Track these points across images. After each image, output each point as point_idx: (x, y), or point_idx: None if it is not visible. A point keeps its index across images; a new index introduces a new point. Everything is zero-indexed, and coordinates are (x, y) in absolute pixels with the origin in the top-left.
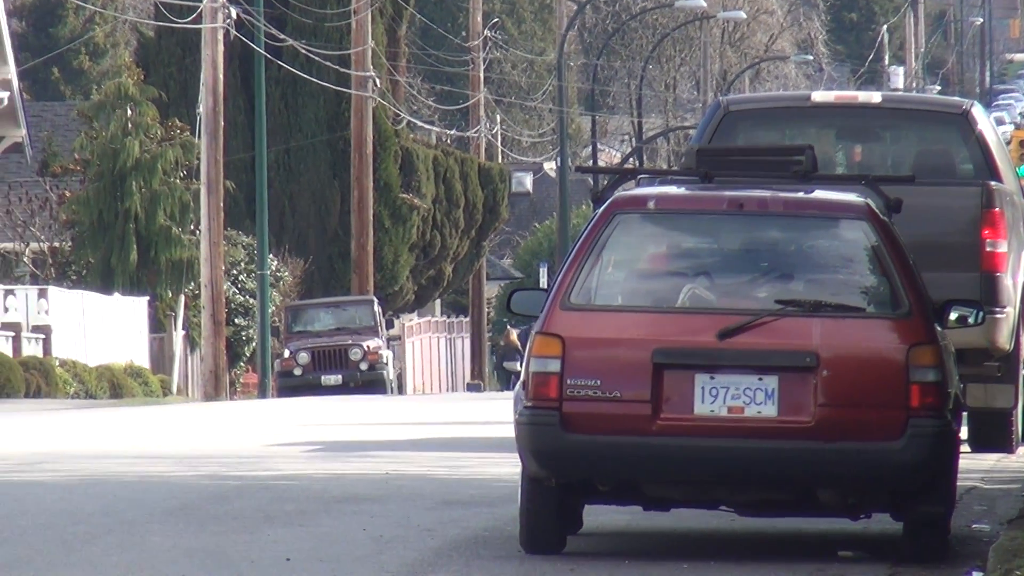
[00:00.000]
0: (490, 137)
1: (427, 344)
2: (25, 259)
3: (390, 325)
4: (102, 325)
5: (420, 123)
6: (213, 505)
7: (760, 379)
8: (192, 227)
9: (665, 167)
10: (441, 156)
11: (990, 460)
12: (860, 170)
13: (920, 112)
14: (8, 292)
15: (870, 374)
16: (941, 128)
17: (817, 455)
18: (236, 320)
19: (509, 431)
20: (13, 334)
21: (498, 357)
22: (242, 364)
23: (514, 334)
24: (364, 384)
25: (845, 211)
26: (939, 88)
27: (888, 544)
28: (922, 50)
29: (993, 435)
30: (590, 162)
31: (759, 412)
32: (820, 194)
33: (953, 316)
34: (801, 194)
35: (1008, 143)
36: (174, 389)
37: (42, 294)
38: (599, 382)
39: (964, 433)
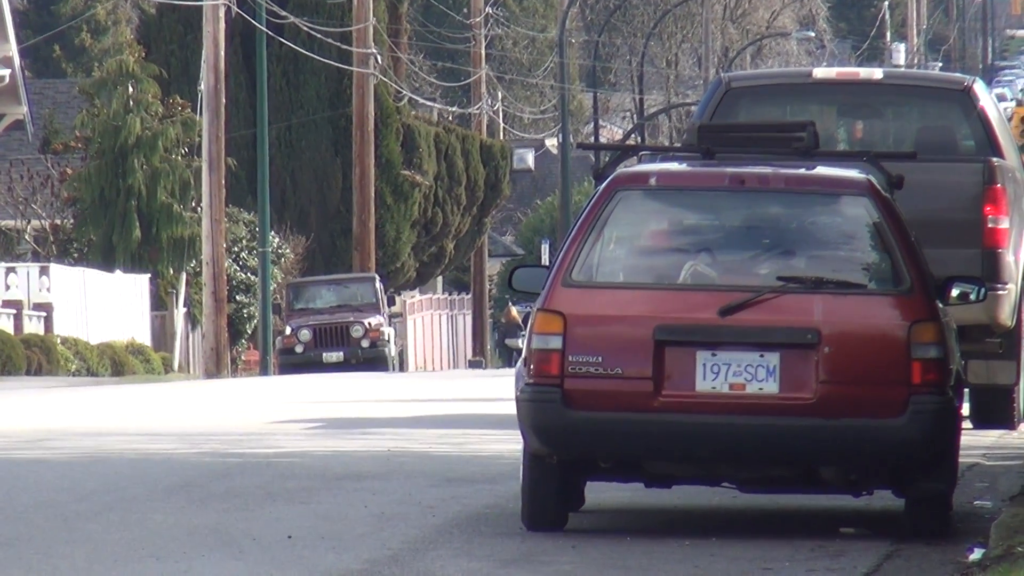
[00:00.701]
0: (492, 114)
1: (429, 321)
2: (27, 236)
3: (392, 302)
4: (104, 302)
5: (422, 100)
6: (215, 482)
7: (762, 356)
8: (193, 204)
9: (667, 144)
10: (443, 133)
11: (992, 437)
12: (862, 146)
13: (922, 88)
14: (10, 269)
15: (872, 351)
16: (943, 104)
17: (819, 432)
18: (238, 297)
19: (511, 408)
20: (15, 311)
21: (500, 334)
22: (243, 341)
23: (515, 311)
24: (366, 361)
25: (847, 187)
26: (941, 65)
27: (890, 521)
28: (924, 26)
29: (995, 412)
30: (592, 139)
31: (760, 389)
32: (822, 170)
33: (955, 293)
34: (803, 170)
35: (1009, 119)
36: (175, 366)
37: (44, 271)
38: (601, 359)
39: (966, 410)
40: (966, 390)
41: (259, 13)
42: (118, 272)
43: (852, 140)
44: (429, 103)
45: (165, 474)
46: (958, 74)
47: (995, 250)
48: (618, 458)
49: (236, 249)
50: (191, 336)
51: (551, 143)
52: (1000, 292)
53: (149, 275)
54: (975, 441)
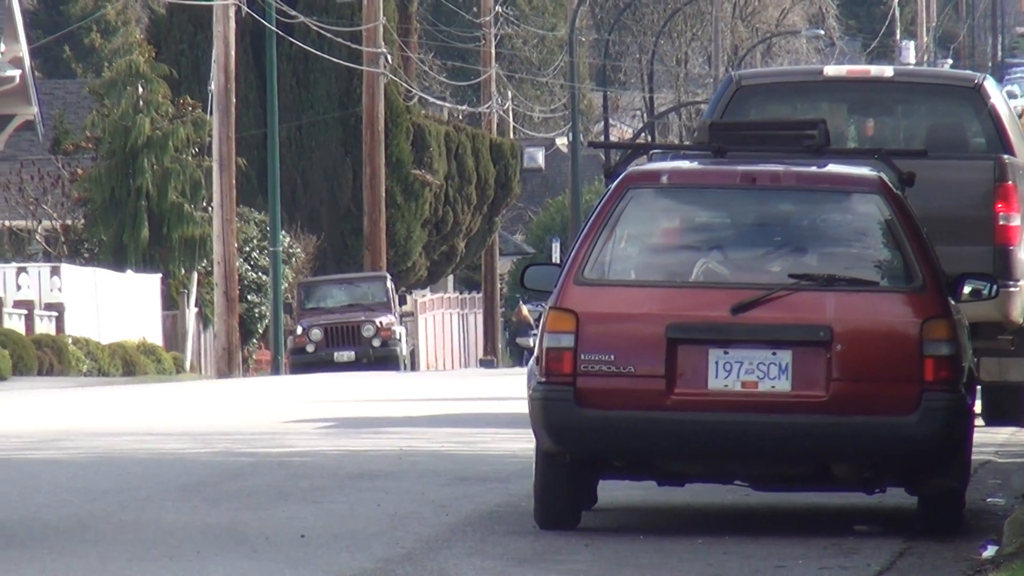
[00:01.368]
0: (502, 113)
1: (440, 320)
2: (37, 237)
3: (403, 301)
4: (115, 302)
5: (432, 99)
6: (227, 482)
7: (774, 353)
8: (204, 204)
9: (677, 142)
10: (453, 132)
11: (1004, 434)
12: (873, 144)
13: (932, 86)
14: (21, 270)
15: (884, 348)
16: (953, 102)
17: (831, 429)
18: (249, 297)
19: (522, 407)
20: (26, 312)
21: (511, 333)
22: (255, 341)
23: (526, 310)
24: (377, 360)
25: (858, 185)
26: (950, 62)
27: (903, 518)
28: (933, 24)
29: (1007, 409)
30: (602, 137)
31: (773, 387)
32: (833, 168)
33: (967, 290)
34: (814, 168)
35: (1020, 116)
36: (187, 366)
37: (55, 272)
38: (613, 357)
39: (978, 407)
40: (978, 387)
41: (269, 13)
42: (129, 272)
43: (863, 138)
44: (439, 102)
45: (178, 474)
46: (968, 71)
47: (1006, 247)
48: (630, 457)
49: (247, 249)
50: (203, 336)
51: (561, 142)
52: (1012, 289)
53: (160, 275)
54: (987, 438)
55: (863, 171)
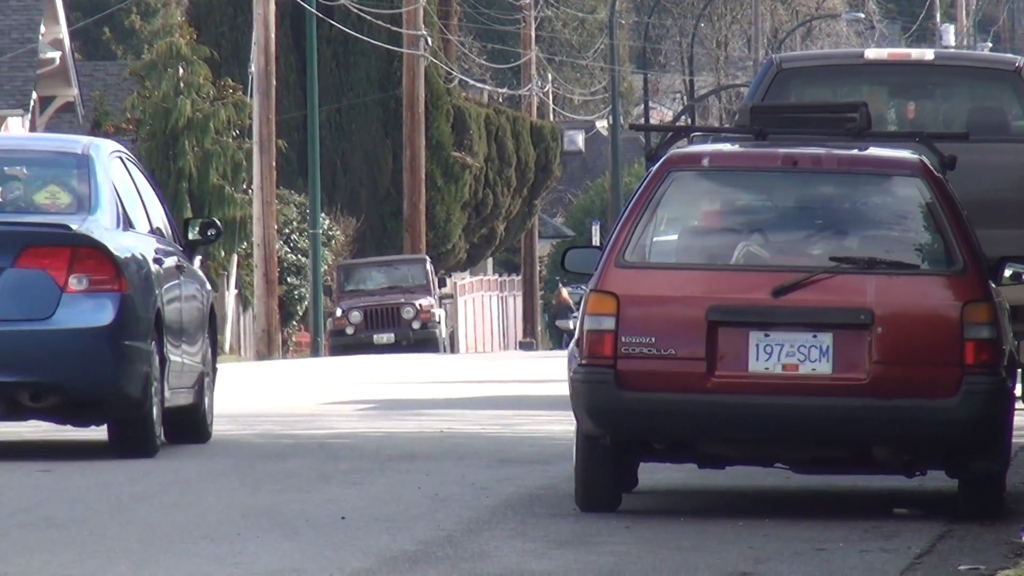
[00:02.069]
0: (542, 95)
1: (479, 302)
2: None
3: (442, 283)
4: None
5: (472, 82)
6: (268, 464)
7: (815, 336)
8: (244, 186)
9: (717, 125)
10: (493, 115)
11: None
12: (913, 127)
13: (973, 69)
14: None
15: (925, 331)
16: (994, 85)
17: (872, 412)
18: (288, 279)
19: (562, 389)
20: None
21: (550, 315)
22: (294, 323)
23: (566, 292)
24: (416, 343)
25: (899, 168)
26: (991, 45)
27: (944, 501)
28: (973, 7)
29: None
30: (642, 120)
31: (813, 369)
32: (874, 151)
33: (1007, 273)
34: (855, 151)
35: None
36: (227, 348)
37: None
38: (654, 340)
39: (1019, 390)
40: (1019, 370)
41: None
42: None
43: (903, 121)
44: (479, 85)
45: (218, 455)
46: (1009, 55)
47: None
48: (671, 439)
49: (287, 231)
50: (242, 318)
51: (601, 125)
52: None
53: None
54: None
55: (904, 154)
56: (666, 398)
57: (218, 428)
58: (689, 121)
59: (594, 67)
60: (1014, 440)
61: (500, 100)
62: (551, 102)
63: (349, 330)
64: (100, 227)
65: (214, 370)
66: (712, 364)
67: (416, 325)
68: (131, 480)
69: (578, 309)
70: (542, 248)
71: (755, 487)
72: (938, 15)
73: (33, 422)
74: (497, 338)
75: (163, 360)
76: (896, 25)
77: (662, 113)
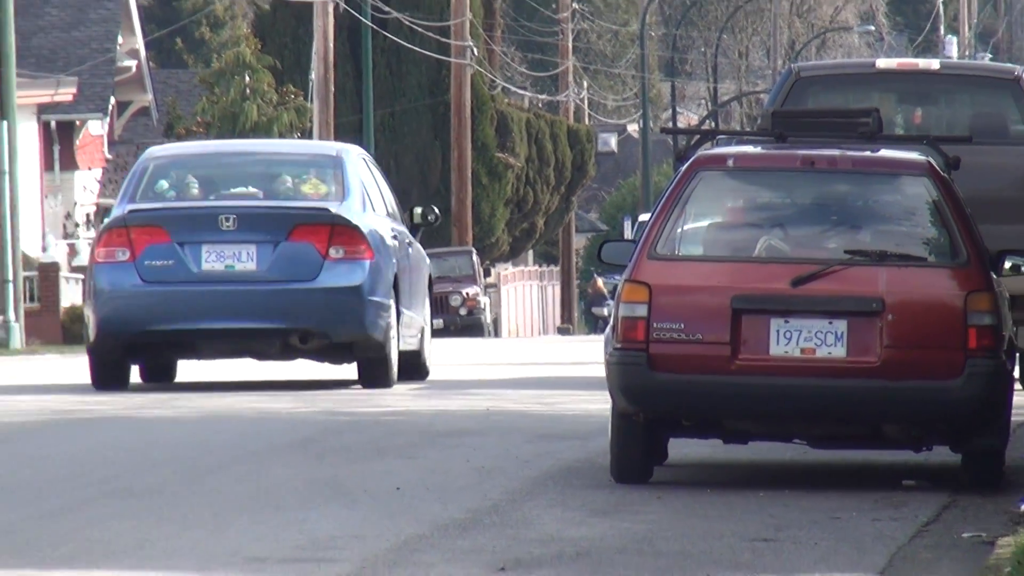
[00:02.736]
0: (578, 101)
1: (521, 291)
2: None
3: (487, 273)
4: None
5: (514, 88)
6: (329, 438)
7: (830, 323)
8: None
9: (739, 128)
10: (533, 119)
11: None
12: (919, 131)
13: (975, 78)
14: None
15: (931, 318)
16: (995, 92)
17: (883, 393)
18: None
19: (598, 371)
20: None
21: (587, 303)
22: None
23: (601, 282)
24: (463, 328)
25: (908, 168)
26: (990, 56)
27: (947, 474)
28: (974, 21)
29: None
30: (670, 124)
31: (829, 353)
32: (885, 153)
33: (1007, 265)
34: (868, 153)
35: None
36: None
37: None
38: (683, 325)
39: (1017, 372)
40: (1018, 354)
41: (365, 9)
42: None
43: (911, 125)
44: (521, 91)
45: (284, 431)
46: (1008, 64)
47: None
48: (698, 416)
49: None
50: None
51: (632, 128)
52: None
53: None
54: None
55: (913, 156)
56: (694, 379)
57: (284, 405)
58: (714, 125)
59: (626, 75)
60: (1013, 418)
61: (540, 105)
62: (586, 107)
63: None
64: (351, 210)
65: (431, 325)
66: (736, 348)
67: (463, 312)
68: (204, 453)
69: (612, 297)
70: (578, 241)
71: (775, 461)
72: (942, 28)
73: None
74: (537, 324)
75: (398, 313)
76: (903, 37)
77: (688, 118)
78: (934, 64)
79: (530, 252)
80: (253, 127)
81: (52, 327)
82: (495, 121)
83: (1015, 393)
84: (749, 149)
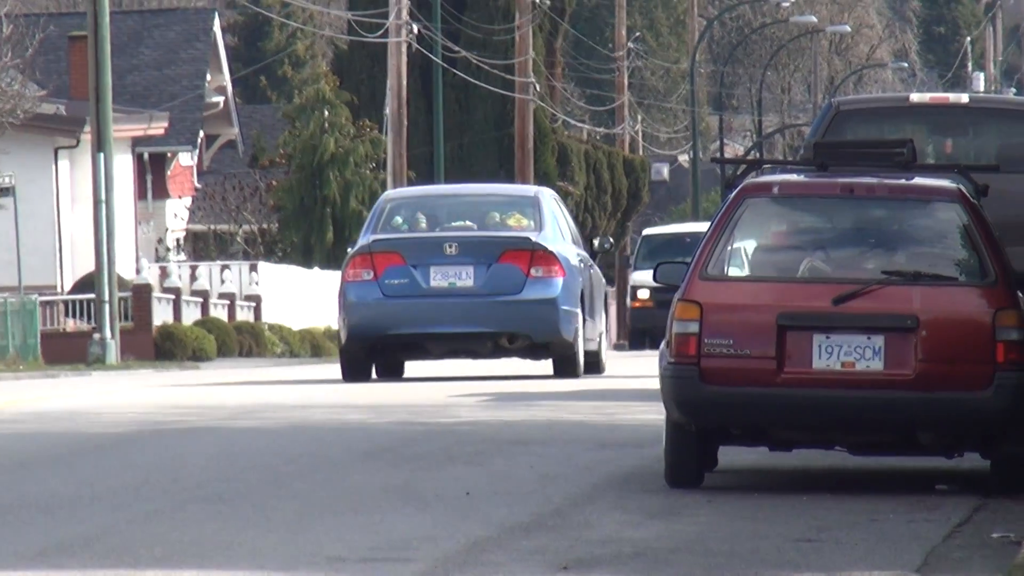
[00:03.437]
0: (633, 133)
1: None
2: (238, 239)
3: None
4: (304, 294)
5: (573, 122)
6: (403, 447)
7: (869, 338)
8: None
9: (782, 158)
10: (591, 150)
11: None
12: (950, 160)
13: (1002, 111)
14: (224, 267)
15: (962, 334)
16: (1020, 124)
17: (918, 403)
18: None
19: (653, 384)
20: (228, 302)
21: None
22: None
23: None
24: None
25: (940, 195)
26: (1014, 90)
27: (978, 479)
28: (999, 59)
29: None
30: (718, 155)
31: (868, 366)
32: (919, 181)
33: None
34: (903, 180)
35: None
36: None
37: (253, 268)
38: (732, 341)
39: None
40: None
41: (436, 48)
42: (316, 269)
43: (942, 155)
44: (579, 124)
45: (361, 440)
46: None
47: None
48: (746, 426)
49: None
50: None
51: (683, 158)
52: None
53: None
54: None
55: (945, 183)
56: (742, 391)
57: (361, 416)
58: (757, 155)
59: (677, 109)
60: None
61: (597, 137)
62: (640, 139)
63: None
64: (547, 239)
65: (605, 331)
66: (781, 362)
67: None
68: (286, 461)
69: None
70: None
71: (818, 467)
72: (970, 64)
73: None
74: None
75: (584, 320)
76: (934, 73)
77: (735, 149)
78: (964, 98)
79: None
80: (331, 158)
81: (145, 344)
82: (556, 152)
83: None
84: (793, 177)
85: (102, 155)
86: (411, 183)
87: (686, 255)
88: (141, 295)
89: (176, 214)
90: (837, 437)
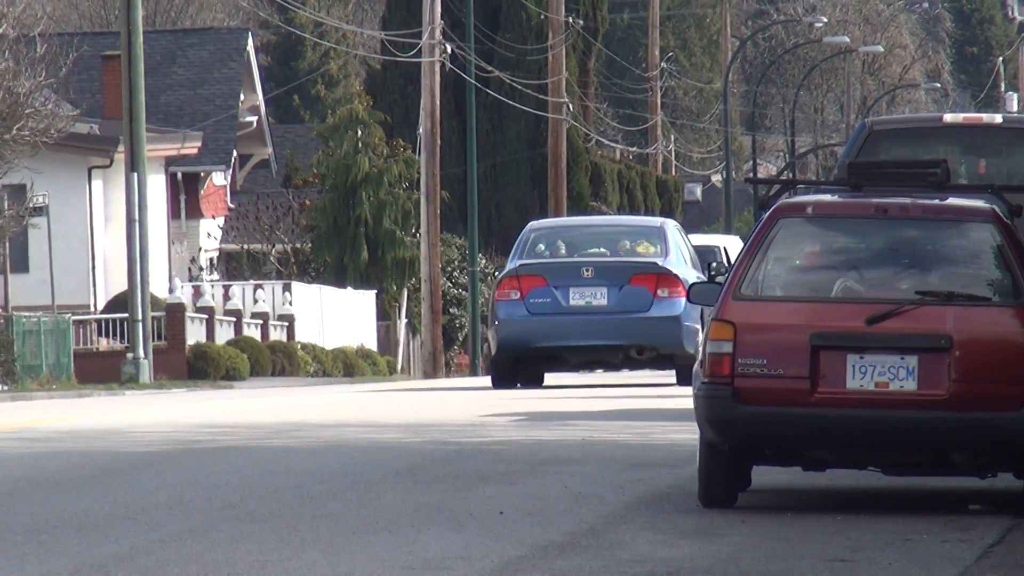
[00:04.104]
0: (665, 153)
1: None
2: (271, 258)
3: None
4: (337, 314)
5: (606, 141)
6: (436, 466)
7: (902, 358)
8: (413, 231)
9: (814, 179)
10: (624, 169)
11: None
12: (983, 180)
13: None
14: (257, 286)
15: (995, 354)
16: None
17: (951, 423)
18: (451, 310)
19: (686, 403)
20: (262, 322)
21: None
22: (456, 347)
23: None
24: None
25: (974, 215)
26: None
27: (1011, 499)
28: None
29: None
30: (750, 175)
31: (901, 387)
32: (953, 201)
33: None
34: (937, 201)
35: None
36: (399, 368)
37: (286, 288)
38: (765, 361)
39: None
40: None
41: (469, 68)
42: (349, 288)
43: (974, 175)
44: (612, 144)
45: (394, 459)
46: None
47: None
48: (780, 446)
49: (449, 269)
50: (411, 343)
51: (716, 178)
52: None
53: (375, 291)
54: None
55: (978, 203)
56: (776, 411)
57: (394, 436)
58: (791, 175)
59: (710, 129)
60: None
61: (630, 157)
62: (674, 159)
63: None
64: (671, 263)
65: None
66: (815, 382)
67: None
68: (320, 480)
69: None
70: None
71: (851, 487)
72: (1003, 85)
73: None
74: None
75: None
76: (967, 93)
77: (768, 169)
78: (997, 118)
79: None
80: (365, 178)
81: (178, 363)
82: (589, 172)
83: None
84: (827, 198)
85: (136, 175)
86: (444, 203)
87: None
88: (174, 314)
89: (209, 233)
90: (870, 457)
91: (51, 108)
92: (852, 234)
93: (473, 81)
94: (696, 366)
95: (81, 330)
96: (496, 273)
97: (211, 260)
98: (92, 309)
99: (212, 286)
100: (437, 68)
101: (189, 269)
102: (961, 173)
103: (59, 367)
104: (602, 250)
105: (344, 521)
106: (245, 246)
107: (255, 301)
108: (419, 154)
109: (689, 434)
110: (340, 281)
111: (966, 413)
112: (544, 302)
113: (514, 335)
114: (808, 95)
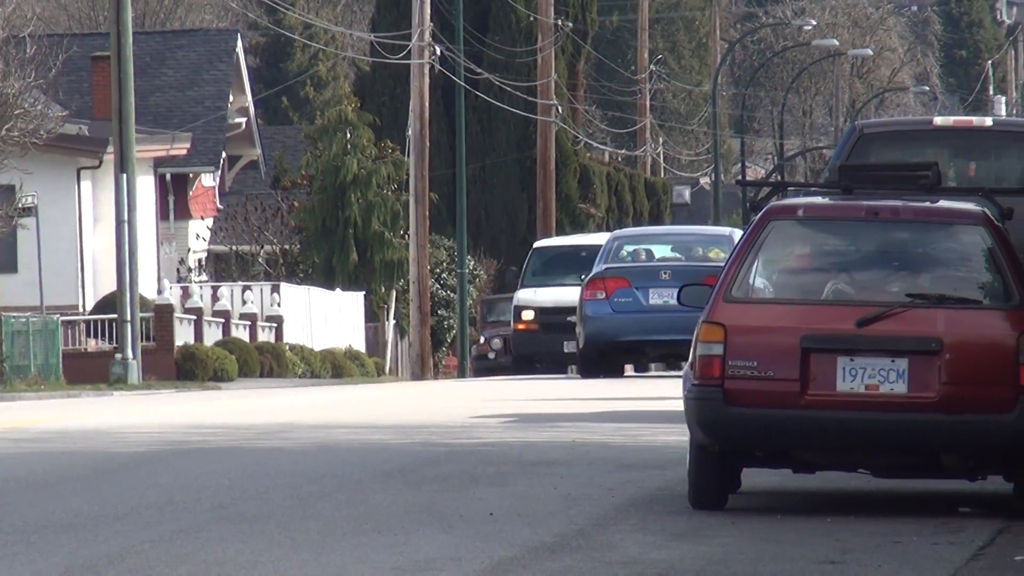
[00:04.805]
0: (654, 156)
1: None
2: (260, 259)
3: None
4: (325, 316)
5: (595, 144)
6: (426, 468)
7: (892, 361)
8: (402, 232)
9: (803, 181)
10: (613, 172)
11: None
12: (972, 183)
13: None
14: (246, 287)
15: (986, 357)
16: None
17: (941, 426)
18: (439, 311)
19: (677, 405)
20: (250, 323)
21: None
22: (444, 349)
23: None
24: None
25: (965, 218)
26: None
27: (1001, 502)
28: (1021, 82)
29: None
30: (739, 177)
31: (892, 389)
32: (943, 204)
33: None
34: (927, 203)
35: None
36: (387, 370)
37: (274, 289)
38: (755, 363)
39: None
40: None
41: (458, 70)
42: (338, 290)
43: (964, 178)
44: (601, 146)
45: (384, 461)
46: None
47: None
48: (770, 448)
49: (438, 271)
50: (399, 344)
51: (705, 181)
52: None
53: (364, 292)
54: None
55: (969, 206)
56: (766, 413)
57: (383, 437)
58: (780, 178)
59: (698, 132)
60: None
61: (619, 159)
62: (662, 161)
63: (491, 355)
64: None
65: None
66: (805, 384)
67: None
68: (310, 481)
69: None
70: None
71: (841, 489)
72: (991, 88)
73: None
74: None
75: None
76: (955, 96)
77: (756, 171)
78: (987, 121)
79: None
80: (353, 179)
81: (166, 364)
82: (578, 174)
83: None
84: (817, 200)
85: (124, 175)
86: (433, 205)
87: (581, 270)
88: (163, 315)
89: (198, 235)
90: (860, 459)
91: (40, 109)
92: (843, 237)
93: (462, 83)
94: (686, 368)
95: (70, 331)
96: (483, 274)
97: (200, 261)
98: (81, 310)
99: (200, 287)
100: (426, 70)
101: (178, 270)
102: (951, 176)
103: (47, 368)
104: (678, 255)
105: (334, 522)
106: (234, 247)
107: (243, 302)
108: (408, 156)
109: (679, 436)
110: (328, 282)
111: (956, 416)
112: (626, 301)
113: (600, 330)
114: (797, 98)
